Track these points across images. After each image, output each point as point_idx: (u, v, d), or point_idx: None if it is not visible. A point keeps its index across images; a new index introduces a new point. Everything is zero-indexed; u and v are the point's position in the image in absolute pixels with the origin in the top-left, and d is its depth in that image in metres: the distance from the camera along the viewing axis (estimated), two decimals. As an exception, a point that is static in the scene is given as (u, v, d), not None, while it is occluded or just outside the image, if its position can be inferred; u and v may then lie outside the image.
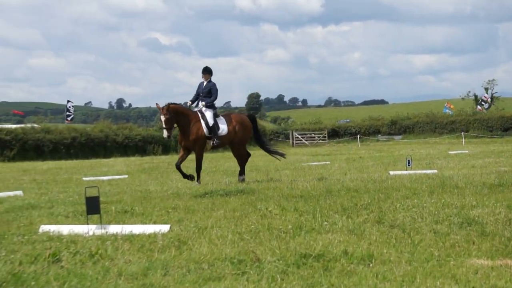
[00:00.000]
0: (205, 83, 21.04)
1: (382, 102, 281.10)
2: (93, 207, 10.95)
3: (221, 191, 16.31)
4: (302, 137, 74.95)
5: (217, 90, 21.15)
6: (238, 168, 21.78)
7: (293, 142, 73.88)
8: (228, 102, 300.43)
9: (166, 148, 61.26)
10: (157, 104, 20.30)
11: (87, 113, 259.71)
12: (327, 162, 32.24)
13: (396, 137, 75.49)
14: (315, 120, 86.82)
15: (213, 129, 20.57)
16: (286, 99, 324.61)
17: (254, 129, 22.23)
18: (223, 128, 20.94)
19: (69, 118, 68.21)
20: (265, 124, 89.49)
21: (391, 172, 21.64)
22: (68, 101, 69.84)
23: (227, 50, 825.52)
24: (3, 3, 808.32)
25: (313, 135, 75.86)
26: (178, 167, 20.51)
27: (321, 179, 19.98)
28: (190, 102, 21.22)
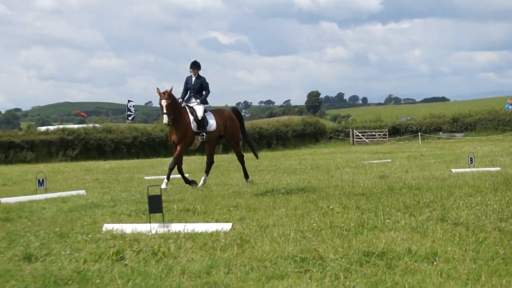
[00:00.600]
0: (194, 78, 20.77)
1: (443, 99, 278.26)
2: (155, 206, 11.02)
3: (282, 189, 16.29)
4: (362, 135, 74.57)
5: (208, 84, 20.98)
6: (299, 167, 21.68)
7: (353, 140, 73.53)
8: (288, 101, 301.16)
9: (226, 147, 61.39)
10: (157, 88, 19.81)
11: (148, 112, 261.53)
12: (388, 160, 32.00)
13: (458, 135, 74.62)
14: (375, 118, 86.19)
15: (202, 123, 20.36)
16: (346, 97, 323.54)
17: (240, 124, 21.96)
18: (212, 123, 20.69)
19: (130, 118, 68.71)
20: (325, 122, 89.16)
21: (453, 170, 21.40)
22: (129, 101, 70.35)
23: (286, 48, 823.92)
24: (64, 4, 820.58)
25: (373, 133, 75.37)
26: (179, 171, 20.62)
27: (382, 177, 19.84)
28: (181, 100, 20.73)
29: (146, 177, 26.23)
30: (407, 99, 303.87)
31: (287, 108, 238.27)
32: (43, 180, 17.80)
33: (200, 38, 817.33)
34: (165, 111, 19.44)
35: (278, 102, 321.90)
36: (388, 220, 10.72)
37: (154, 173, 29.85)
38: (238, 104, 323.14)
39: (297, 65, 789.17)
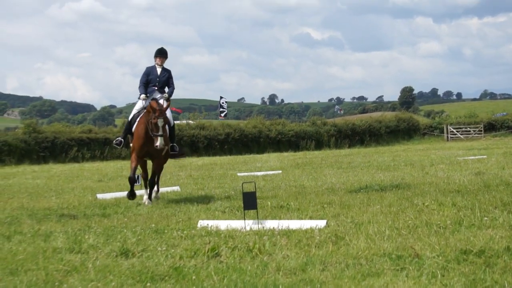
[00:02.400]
0: (159, 70, 17.13)
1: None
2: (250, 203, 11.07)
3: (376, 186, 16.20)
4: (457, 131, 73.49)
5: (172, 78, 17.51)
6: (392, 164, 21.04)
7: (447, 137, 72.49)
8: (381, 97, 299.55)
9: (319, 143, 61.31)
10: (154, 100, 16.33)
11: (240, 109, 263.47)
12: (484, 156, 31.42)
13: (559, 131, 72.86)
14: (470, 114, 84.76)
15: (173, 131, 17.73)
16: (440, 92, 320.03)
17: None
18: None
19: (222, 114, 69.10)
20: (419, 118, 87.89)
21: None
22: (221, 97, 70.74)
23: (379, 44, 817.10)
24: (158, 1, 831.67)
25: (468, 129, 74.19)
26: (145, 180, 17.47)
27: (478, 173, 19.50)
28: (145, 96, 16.80)
29: (239, 174, 26.34)
30: (503, 94, 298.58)
31: (379, 104, 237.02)
32: (138, 176, 18.00)
33: (293, 34, 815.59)
34: (161, 132, 15.59)
35: (371, 98, 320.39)
36: (485, 218, 10.53)
37: (247, 169, 29.96)
38: (330, 100, 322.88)
39: (391, 61, 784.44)
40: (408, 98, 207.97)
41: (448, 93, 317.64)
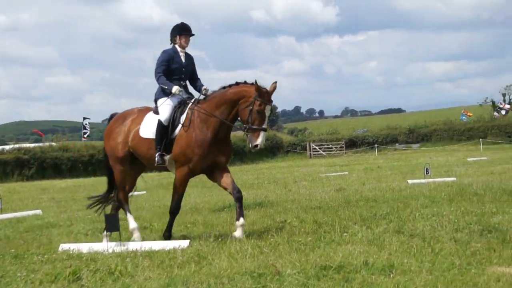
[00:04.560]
0: (183, 56, 12.40)
1: (399, 110, 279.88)
2: (112, 224, 10.96)
3: (240, 205, 16.29)
4: (319, 148, 74.81)
5: None
6: (256, 182, 20.85)
7: (310, 153, 73.72)
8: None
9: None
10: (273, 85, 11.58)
11: (104, 129, 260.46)
12: (345, 173, 32.13)
13: (414, 146, 75.11)
14: (332, 131, 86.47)
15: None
16: (303, 110, 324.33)
17: None
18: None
19: (85, 135, 68.19)
20: (282, 136, 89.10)
21: (410, 181, 21.57)
22: (84, 118, 69.78)
23: (243, 63, 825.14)
24: (19, 21, 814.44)
25: (330, 145, 75.68)
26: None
27: (339, 189, 19.93)
28: (179, 88, 12.01)
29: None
30: (364, 111, 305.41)
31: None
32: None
33: (158, 53, 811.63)
34: (266, 125, 11.67)
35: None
36: (345, 233, 10.78)
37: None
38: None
39: (256, 79, 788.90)
40: (272, 116, 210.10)
41: (311, 111, 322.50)
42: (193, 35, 12.38)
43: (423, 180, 21.13)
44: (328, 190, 20.24)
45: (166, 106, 11.90)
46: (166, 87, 11.95)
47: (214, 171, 11.86)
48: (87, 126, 68.80)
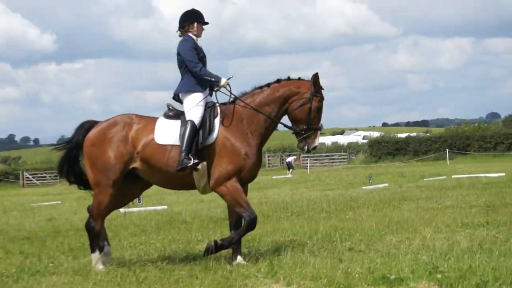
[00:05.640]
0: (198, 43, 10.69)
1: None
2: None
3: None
4: (33, 177, 73.26)
5: None
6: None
7: (23, 183, 72.01)
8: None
9: None
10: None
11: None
12: (58, 202, 31.72)
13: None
14: (47, 159, 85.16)
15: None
16: (17, 138, 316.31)
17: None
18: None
19: None
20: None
21: (122, 210, 21.68)
22: None
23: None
24: None
25: (44, 174, 74.30)
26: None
27: (50, 219, 19.66)
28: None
29: None
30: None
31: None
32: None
33: None
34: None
35: None
36: (51, 264, 10.65)
37: None
38: None
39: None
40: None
41: (26, 139, 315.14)
42: (207, 23, 10.74)
43: (134, 209, 21.30)
44: (38, 220, 19.92)
45: (198, 107, 10.13)
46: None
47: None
48: None
